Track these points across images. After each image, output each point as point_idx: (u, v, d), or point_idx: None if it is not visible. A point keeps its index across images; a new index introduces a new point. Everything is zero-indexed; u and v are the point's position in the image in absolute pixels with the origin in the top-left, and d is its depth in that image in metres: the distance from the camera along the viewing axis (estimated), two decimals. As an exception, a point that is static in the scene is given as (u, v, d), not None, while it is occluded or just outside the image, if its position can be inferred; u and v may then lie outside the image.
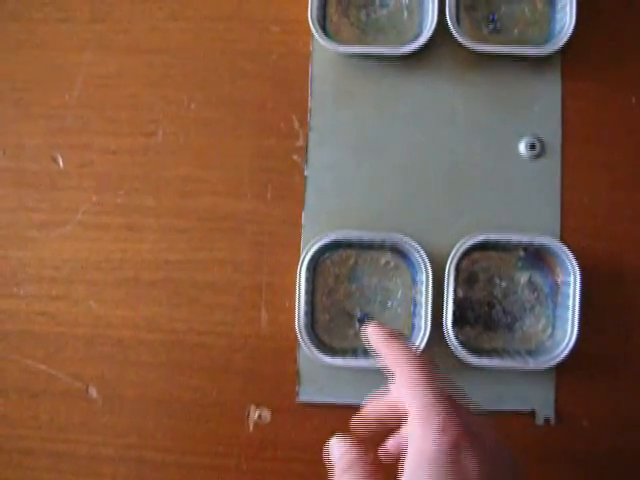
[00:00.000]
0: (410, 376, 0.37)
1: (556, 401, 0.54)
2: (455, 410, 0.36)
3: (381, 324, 0.43)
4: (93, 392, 0.55)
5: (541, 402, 0.53)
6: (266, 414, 0.54)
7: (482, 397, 0.53)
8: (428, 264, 0.51)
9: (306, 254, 0.52)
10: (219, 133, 0.56)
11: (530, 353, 0.53)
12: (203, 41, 0.56)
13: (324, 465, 0.53)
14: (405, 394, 0.37)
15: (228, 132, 0.56)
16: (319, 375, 0.54)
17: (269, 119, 0.56)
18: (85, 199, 0.56)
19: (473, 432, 0.35)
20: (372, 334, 0.42)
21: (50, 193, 0.56)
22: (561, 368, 0.53)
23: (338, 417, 0.54)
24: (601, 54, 0.56)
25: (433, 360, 0.39)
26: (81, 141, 0.56)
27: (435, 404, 0.36)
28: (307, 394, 0.54)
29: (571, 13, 0.53)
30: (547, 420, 0.53)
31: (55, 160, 0.56)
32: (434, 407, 0.35)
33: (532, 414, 0.54)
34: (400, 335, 0.41)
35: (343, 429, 0.52)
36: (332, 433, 0.52)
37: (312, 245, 0.52)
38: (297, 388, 0.54)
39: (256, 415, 0.54)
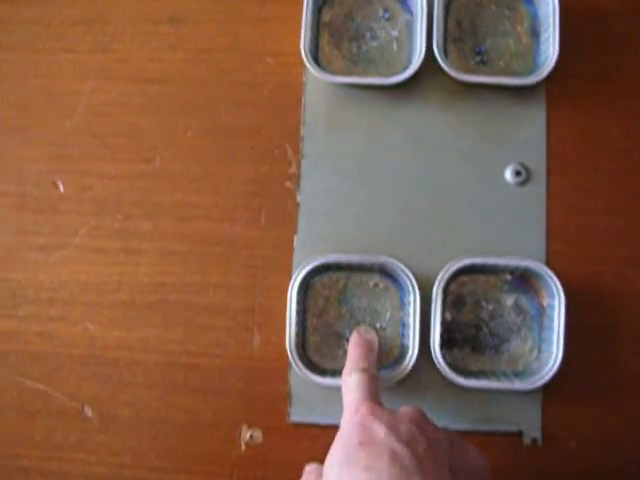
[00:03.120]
0: (352, 382, 0.46)
1: (543, 422, 0.55)
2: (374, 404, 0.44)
3: (365, 333, 0.52)
4: (88, 412, 0.56)
5: (528, 423, 0.54)
6: (258, 434, 0.55)
7: (470, 418, 0.54)
8: (416, 286, 0.53)
9: (297, 276, 0.53)
10: (214, 160, 0.57)
11: (517, 374, 0.54)
12: (200, 71, 0.59)
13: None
14: (344, 396, 0.46)
15: (223, 159, 0.57)
16: (310, 396, 0.55)
17: (263, 147, 0.57)
18: (84, 223, 0.57)
19: (386, 411, 0.43)
20: (352, 338, 0.52)
21: (50, 217, 0.57)
22: (548, 389, 0.54)
23: (329, 437, 0.54)
24: (584, 85, 0.58)
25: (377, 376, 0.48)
26: (81, 167, 0.58)
27: (357, 399, 0.44)
28: (298, 414, 0.55)
29: (554, 45, 0.55)
30: (534, 440, 0.54)
31: (56, 185, 0.58)
32: (355, 400, 0.44)
33: (519, 435, 0.54)
34: (367, 347, 0.50)
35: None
36: (323, 453, 0.53)
37: (303, 268, 0.53)
38: (288, 408, 0.55)
39: (248, 435, 0.55)
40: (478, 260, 0.53)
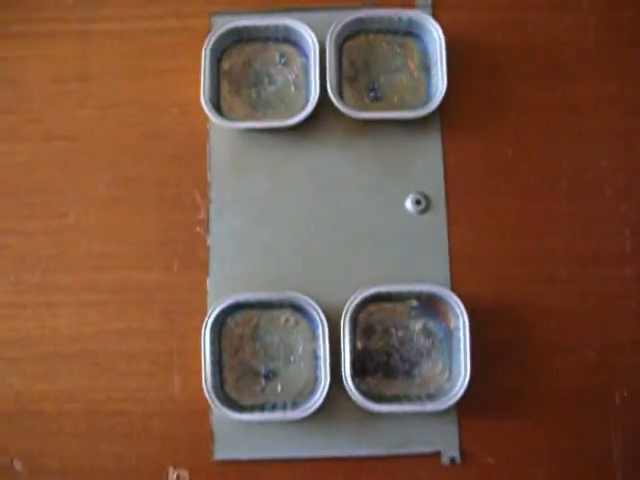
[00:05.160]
0: None
1: (460, 441, 0.56)
2: None
3: None
4: (18, 465, 0.57)
5: (445, 443, 0.56)
6: (184, 474, 0.56)
7: (387, 443, 0.56)
8: (324, 319, 0.54)
9: (209, 317, 0.55)
10: (127, 210, 0.59)
11: (430, 397, 0.55)
12: (109, 126, 0.61)
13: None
14: None
15: (135, 209, 0.59)
16: (232, 433, 0.56)
17: (172, 194, 0.60)
18: (4, 280, 0.59)
19: None
20: None
21: (-29, 277, 0.59)
22: (462, 408, 0.56)
23: (253, 472, 0.56)
24: (476, 113, 0.60)
25: None
26: (-2, 226, 0.60)
27: None
28: (222, 452, 0.56)
29: (443, 78, 0.58)
30: (452, 460, 0.56)
31: (-26, 252, 0.59)
32: None
33: (438, 455, 0.56)
34: None
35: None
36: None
37: (214, 308, 0.55)
38: (212, 447, 0.56)
39: (175, 476, 0.56)
40: (382, 288, 0.55)
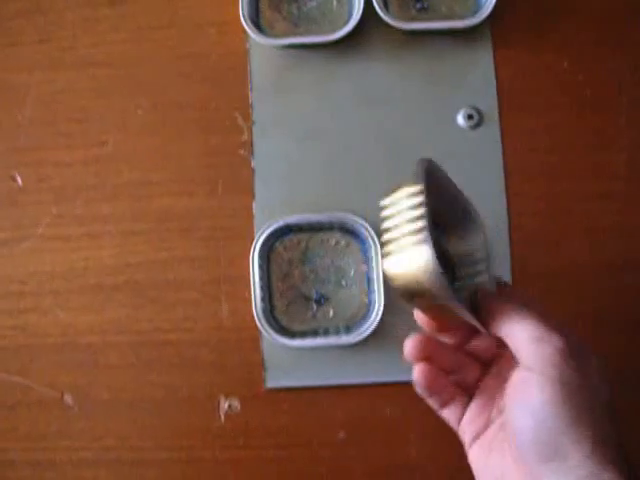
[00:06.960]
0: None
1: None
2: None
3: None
4: (68, 399, 0.56)
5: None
6: (236, 404, 0.55)
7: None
8: (376, 239, 0.52)
9: (257, 241, 0.53)
10: (167, 136, 0.57)
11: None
12: (144, 50, 0.58)
13: (296, 448, 0.54)
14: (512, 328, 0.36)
15: (175, 134, 0.57)
16: (283, 360, 0.54)
17: (213, 117, 0.57)
18: (45, 213, 0.57)
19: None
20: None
21: (11, 210, 0.58)
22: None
23: (305, 399, 0.55)
24: (529, 22, 0.57)
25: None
26: (37, 157, 0.58)
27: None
28: (273, 380, 0.55)
29: (494, -16, 0.54)
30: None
31: (14, 179, 0.58)
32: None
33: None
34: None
35: (311, 411, 0.54)
36: (301, 415, 0.53)
37: (262, 232, 0.53)
38: (263, 375, 0.55)
39: (226, 405, 0.55)
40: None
